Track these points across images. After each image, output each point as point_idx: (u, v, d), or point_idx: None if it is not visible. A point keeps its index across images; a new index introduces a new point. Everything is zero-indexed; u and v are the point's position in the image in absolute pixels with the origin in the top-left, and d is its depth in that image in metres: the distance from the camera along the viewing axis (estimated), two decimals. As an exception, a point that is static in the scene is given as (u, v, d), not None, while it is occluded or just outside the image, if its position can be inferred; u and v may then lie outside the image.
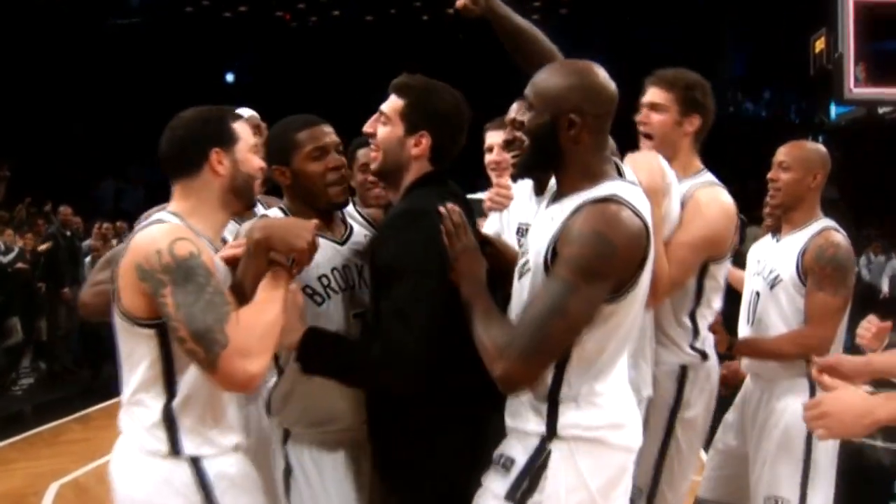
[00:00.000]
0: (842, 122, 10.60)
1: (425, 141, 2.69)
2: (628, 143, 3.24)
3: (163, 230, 2.41)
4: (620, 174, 2.51)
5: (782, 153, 3.87)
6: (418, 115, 2.71)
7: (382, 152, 2.75)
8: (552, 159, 2.47)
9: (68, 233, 12.06)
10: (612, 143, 2.67)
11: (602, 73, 2.47)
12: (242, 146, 2.57)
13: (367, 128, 2.82)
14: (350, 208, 3.00)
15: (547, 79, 2.48)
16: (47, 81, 19.90)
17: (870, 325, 3.20)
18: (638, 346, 3.05)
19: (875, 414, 2.34)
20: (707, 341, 3.29)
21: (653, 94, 3.34)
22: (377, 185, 3.51)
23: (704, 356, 3.27)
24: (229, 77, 25.09)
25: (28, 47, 19.60)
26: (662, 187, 3.09)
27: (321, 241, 2.63)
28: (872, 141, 11.85)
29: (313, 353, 2.61)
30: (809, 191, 3.78)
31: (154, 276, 2.33)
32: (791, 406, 3.54)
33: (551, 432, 2.39)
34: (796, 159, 3.80)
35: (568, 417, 2.40)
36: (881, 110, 9.96)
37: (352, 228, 2.92)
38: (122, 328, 2.44)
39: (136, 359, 2.44)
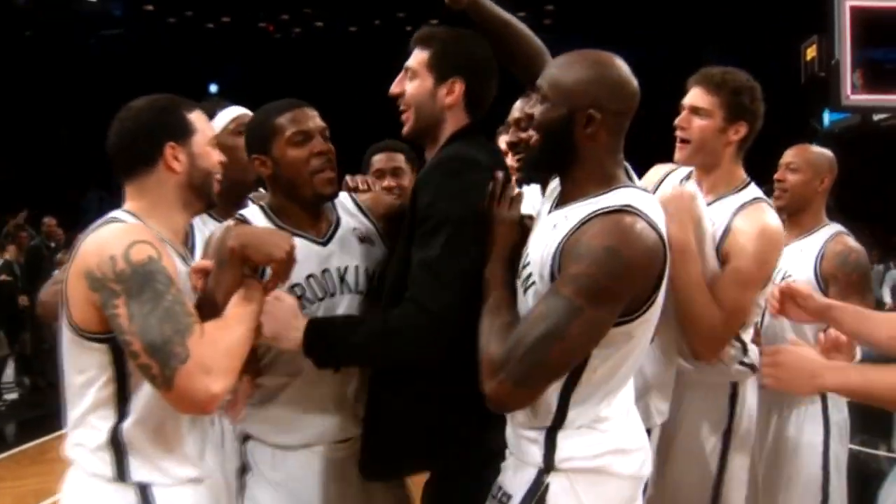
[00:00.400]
0: (835, 130, 10.58)
1: (458, 87, 2.52)
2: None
3: (117, 231, 2.18)
4: (631, 180, 2.31)
5: (791, 155, 3.80)
6: (447, 62, 2.53)
7: (414, 109, 2.56)
8: (563, 158, 2.25)
9: (52, 244, 11.89)
10: None
11: (625, 67, 2.28)
12: (199, 139, 2.34)
13: (393, 88, 2.61)
14: (343, 194, 2.77)
15: (565, 69, 2.27)
16: (31, 93, 19.80)
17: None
18: (652, 374, 2.89)
19: (824, 378, 2.34)
20: (754, 353, 3.10)
21: (696, 97, 3.06)
22: (391, 192, 3.41)
23: (753, 368, 3.08)
24: (213, 88, 24.88)
25: (12, 59, 19.49)
26: (693, 247, 2.85)
27: (299, 242, 2.42)
28: (868, 148, 11.90)
29: (322, 343, 2.38)
30: (817, 194, 3.72)
31: (106, 286, 2.10)
32: (807, 436, 3.48)
33: (549, 464, 2.20)
34: (805, 161, 3.75)
35: (567, 446, 2.20)
36: (876, 117, 9.92)
37: (338, 222, 2.67)
38: (71, 342, 2.21)
39: (87, 377, 2.20)
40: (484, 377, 2.14)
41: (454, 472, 2.47)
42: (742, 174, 3.11)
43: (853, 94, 9.06)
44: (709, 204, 3.03)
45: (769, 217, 3.02)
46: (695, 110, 3.03)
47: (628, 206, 2.13)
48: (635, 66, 2.29)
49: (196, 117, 2.36)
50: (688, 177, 3.20)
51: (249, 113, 3.07)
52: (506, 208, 2.38)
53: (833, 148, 3.97)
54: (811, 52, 10.65)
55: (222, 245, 2.29)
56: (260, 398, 2.63)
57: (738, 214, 2.99)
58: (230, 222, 2.58)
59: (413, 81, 2.56)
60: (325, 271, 2.59)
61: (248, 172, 2.89)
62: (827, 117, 10.91)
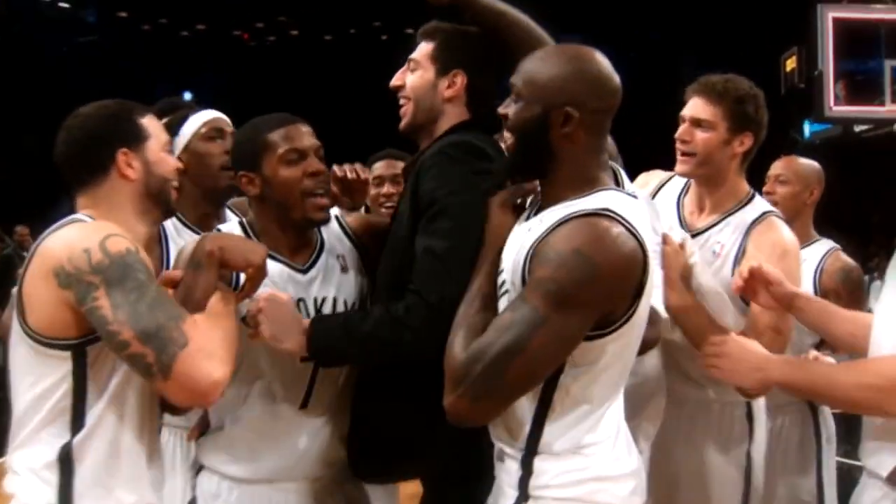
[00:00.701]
0: (816, 141, 10.61)
1: (460, 80, 2.45)
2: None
3: (87, 227, 2.07)
4: (618, 183, 2.18)
5: (780, 167, 3.74)
6: (450, 53, 2.47)
7: (413, 101, 2.49)
8: (540, 160, 2.11)
9: (25, 253, 11.67)
10: (612, 145, 2.37)
11: (605, 62, 2.13)
12: (154, 145, 2.22)
13: (394, 81, 2.53)
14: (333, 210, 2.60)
15: (539, 65, 2.13)
16: (1, 100, 19.48)
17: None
18: (643, 395, 2.79)
19: (769, 371, 2.29)
20: None
21: (697, 108, 2.91)
22: (391, 199, 3.34)
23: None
24: (187, 96, 24.70)
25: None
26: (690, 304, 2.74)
27: (277, 268, 2.35)
28: (850, 159, 11.96)
29: (327, 339, 2.26)
30: (805, 206, 3.67)
31: (82, 280, 1.97)
32: (799, 441, 3.45)
33: (524, 491, 2.05)
34: (795, 173, 3.69)
35: (544, 472, 2.05)
36: (857, 128, 9.97)
37: (321, 248, 2.51)
38: (26, 353, 2.05)
39: (42, 390, 2.04)
40: (446, 385, 2.00)
41: (445, 481, 2.38)
42: (746, 186, 3.01)
43: (836, 106, 9.05)
44: (716, 223, 2.95)
45: (784, 234, 2.91)
46: (696, 122, 2.90)
47: (606, 209, 1.99)
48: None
49: (149, 122, 2.24)
50: (685, 189, 3.10)
51: (222, 116, 2.98)
52: (504, 193, 2.26)
53: (813, 159, 3.93)
54: (791, 63, 10.66)
55: (199, 249, 2.17)
56: (217, 420, 2.48)
57: (751, 234, 2.89)
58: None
59: (415, 73, 2.50)
60: (300, 301, 2.42)
61: (219, 179, 2.82)
62: (808, 128, 10.92)
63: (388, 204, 3.36)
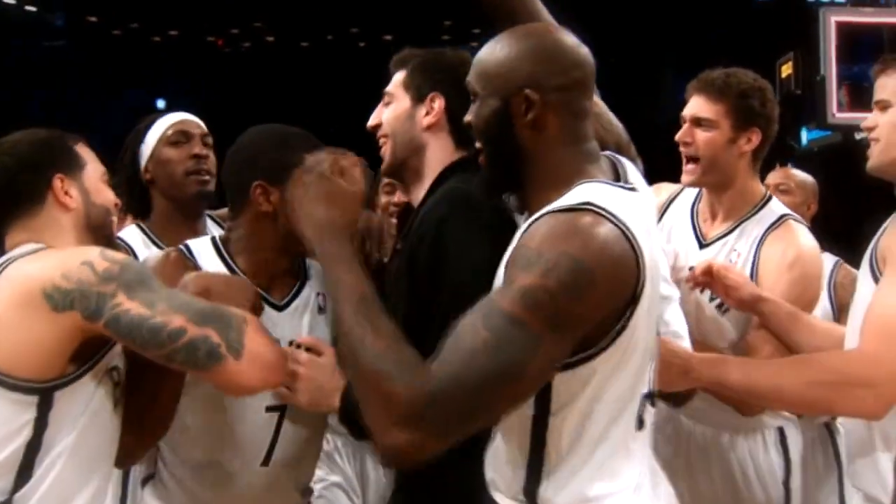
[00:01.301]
0: (814, 148, 10.40)
1: (438, 104, 2.24)
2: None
3: (69, 250, 1.94)
4: (619, 177, 1.89)
5: (780, 176, 3.70)
6: (424, 77, 2.27)
7: (391, 137, 2.28)
8: (512, 164, 1.86)
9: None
10: (619, 131, 2.16)
11: (564, 35, 1.91)
12: (91, 173, 2.11)
13: (371, 120, 2.34)
14: None
15: (488, 53, 1.91)
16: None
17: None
18: None
19: (700, 372, 2.21)
20: None
21: (697, 106, 2.76)
22: (399, 207, 3.11)
23: None
24: (160, 103, 24.46)
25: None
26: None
27: None
28: (849, 166, 11.70)
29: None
30: (805, 220, 3.41)
31: (89, 293, 1.81)
32: (823, 464, 3.31)
33: None
34: (796, 184, 3.67)
35: None
36: (858, 136, 9.76)
37: (303, 285, 2.34)
38: None
39: None
40: (386, 419, 1.62)
41: None
42: (760, 188, 2.87)
43: (839, 112, 8.83)
44: (730, 230, 2.81)
45: (800, 239, 2.76)
46: (697, 121, 2.76)
47: (587, 203, 1.71)
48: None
49: (83, 150, 2.13)
50: (699, 196, 2.94)
51: (190, 118, 2.88)
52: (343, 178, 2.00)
53: (813, 167, 3.96)
54: (787, 69, 10.43)
55: (181, 290, 1.99)
56: (172, 471, 2.29)
57: (766, 240, 2.76)
58: (171, 251, 2.29)
59: (389, 106, 2.32)
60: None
61: (185, 187, 2.74)
62: (805, 136, 10.71)
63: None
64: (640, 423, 1.88)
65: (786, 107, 12.02)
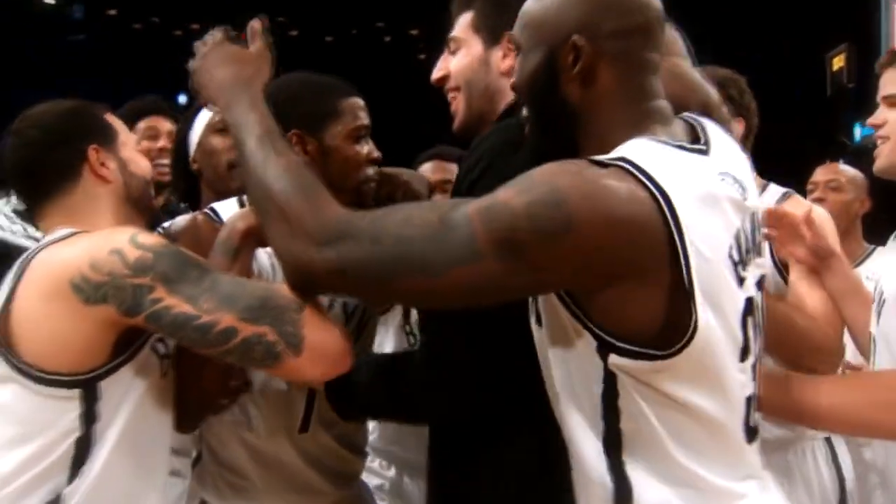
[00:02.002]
0: (870, 145, 9.90)
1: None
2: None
3: (100, 234, 1.82)
4: (698, 139, 1.65)
5: (830, 172, 3.59)
6: (496, 14, 2.04)
7: (464, 88, 2.08)
8: (561, 128, 1.64)
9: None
10: (708, 91, 1.91)
11: None
12: (126, 142, 2.06)
13: (436, 73, 2.16)
14: None
15: (534, 2, 1.70)
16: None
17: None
18: None
19: None
20: None
21: None
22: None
23: None
24: (182, 98, 24.49)
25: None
26: None
27: None
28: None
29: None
30: (857, 217, 3.58)
31: (123, 286, 1.70)
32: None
33: None
34: (848, 180, 3.56)
35: None
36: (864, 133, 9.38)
37: None
38: (11, 399, 1.76)
39: (39, 446, 1.76)
40: (286, 234, 1.61)
41: None
42: (758, 179, 2.75)
43: (902, 106, 8.30)
44: None
45: (818, 210, 2.74)
46: None
47: (621, 158, 1.50)
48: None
49: (113, 120, 2.07)
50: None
51: None
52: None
53: (866, 164, 3.58)
54: (839, 62, 10.05)
55: (231, 231, 1.94)
56: (209, 449, 2.25)
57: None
58: (197, 215, 2.31)
59: (457, 54, 2.13)
60: None
61: (228, 181, 2.62)
62: (858, 131, 10.30)
63: None
64: (751, 434, 1.68)
65: (838, 101, 11.77)
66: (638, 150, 1.55)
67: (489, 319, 1.75)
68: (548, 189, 1.46)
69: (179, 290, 1.72)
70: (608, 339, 1.56)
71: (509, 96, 2.01)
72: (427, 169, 3.17)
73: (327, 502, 2.34)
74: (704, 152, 1.64)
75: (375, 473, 3.33)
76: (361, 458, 2.41)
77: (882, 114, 2.38)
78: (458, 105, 2.12)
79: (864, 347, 2.33)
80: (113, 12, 22.90)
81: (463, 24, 2.15)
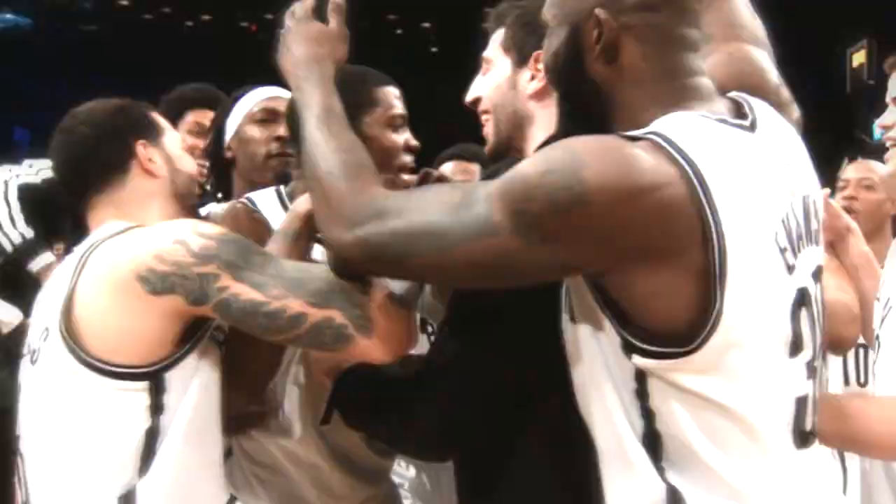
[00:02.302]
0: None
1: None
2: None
3: (161, 226, 1.84)
4: (745, 116, 1.56)
5: (862, 170, 3.46)
6: (529, 33, 1.92)
7: (493, 111, 2.00)
8: (589, 109, 1.58)
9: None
10: (773, 78, 1.84)
11: None
12: (172, 139, 2.10)
13: (469, 95, 2.08)
14: None
15: None
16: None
17: None
18: None
19: None
20: None
21: None
22: None
23: None
24: None
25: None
26: None
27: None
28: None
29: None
30: (888, 217, 3.46)
31: (190, 275, 1.71)
32: None
33: None
34: (881, 178, 3.28)
35: None
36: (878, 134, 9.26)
37: None
38: (80, 392, 1.76)
39: (109, 439, 1.77)
40: (330, 218, 1.61)
41: None
42: None
43: (922, 104, 8.20)
44: None
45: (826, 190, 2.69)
46: None
47: (653, 132, 1.43)
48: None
49: (158, 117, 2.12)
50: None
51: (283, 95, 2.65)
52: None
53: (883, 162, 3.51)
54: (859, 58, 10.01)
55: (293, 215, 1.99)
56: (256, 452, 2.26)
57: None
58: (235, 204, 2.34)
59: (488, 74, 2.04)
60: None
61: (264, 171, 2.63)
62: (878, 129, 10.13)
63: None
64: (802, 438, 1.57)
65: (857, 98, 11.65)
66: (672, 123, 1.47)
67: (511, 328, 1.69)
68: (567, 159, 1.41)
69: (246, 278, 1.74)
70: (630, 340, 1.50)
71: (537, 121, 1.94)
72: (448, 169, 3.14)
73: (357, 500, 2.33)
74: (750, 128, 1.55)
75: (395, 473, 3.33)
76: (389, 456, 2.38)
77: (892, 115, 2.30)
78: (490, 129, 2.05)
79: (870, 318, 2.34)
80: (124, 3, 22.93)
81: (494, 43, 2.09)
